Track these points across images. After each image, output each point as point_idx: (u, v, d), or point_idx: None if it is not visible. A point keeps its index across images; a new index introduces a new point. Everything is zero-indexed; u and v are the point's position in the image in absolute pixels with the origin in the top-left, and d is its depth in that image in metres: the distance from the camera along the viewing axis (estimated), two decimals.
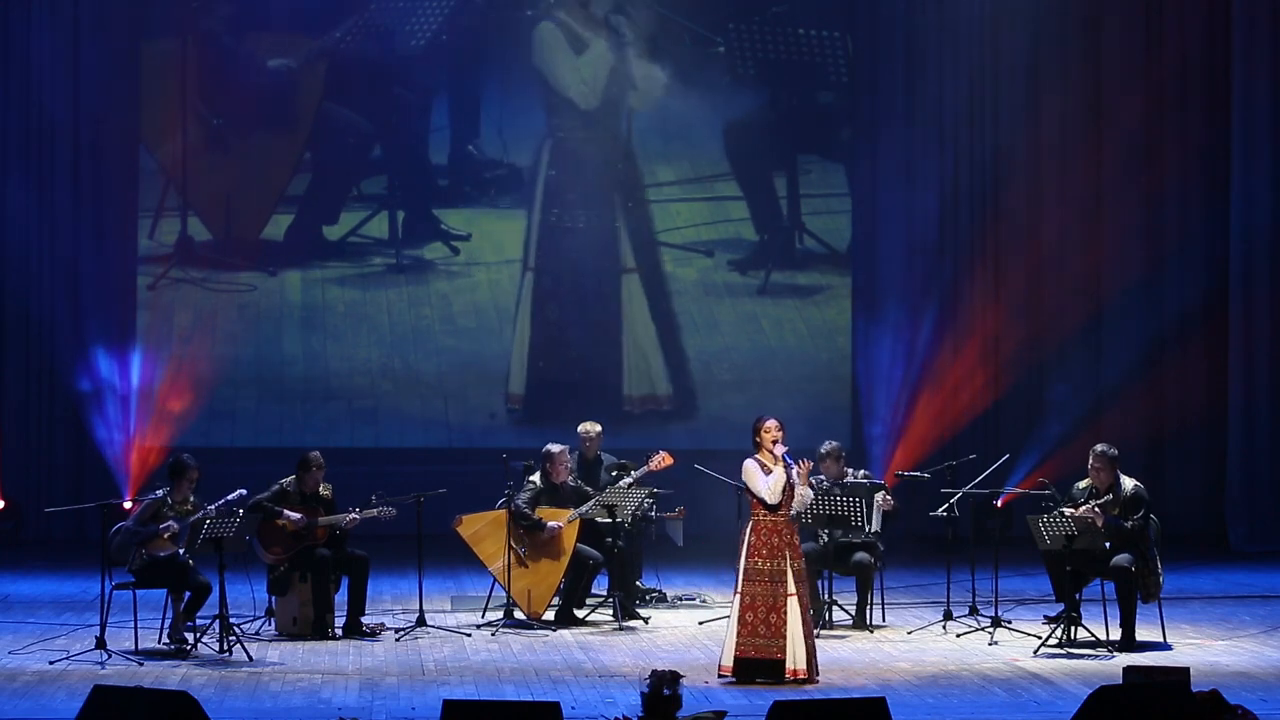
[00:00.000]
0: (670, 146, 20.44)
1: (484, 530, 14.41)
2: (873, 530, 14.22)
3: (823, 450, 14.31)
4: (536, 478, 14.54)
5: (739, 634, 11.89)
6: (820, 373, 20.51)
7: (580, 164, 20.27)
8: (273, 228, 20.27)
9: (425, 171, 20.51)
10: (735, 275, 20.62)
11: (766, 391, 20.02)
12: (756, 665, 11.81)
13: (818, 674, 11.91)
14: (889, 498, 14.35)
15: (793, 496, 12.00)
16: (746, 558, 11.95)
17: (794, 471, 11.94)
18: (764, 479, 11.96)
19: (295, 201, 20.33)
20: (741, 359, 20.50)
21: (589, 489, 14.64)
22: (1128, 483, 13.41)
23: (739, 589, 11.98)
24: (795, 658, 11.78)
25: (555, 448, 14.59)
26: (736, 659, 11.88)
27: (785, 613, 11.79)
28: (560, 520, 14.29)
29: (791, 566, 11.85)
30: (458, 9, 20.31)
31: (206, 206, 20.17)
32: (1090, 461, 13.50)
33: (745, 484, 12.12)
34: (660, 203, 20.61)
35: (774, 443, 12.02)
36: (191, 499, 13.34)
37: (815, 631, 12.34)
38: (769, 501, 11.96)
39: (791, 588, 11.82)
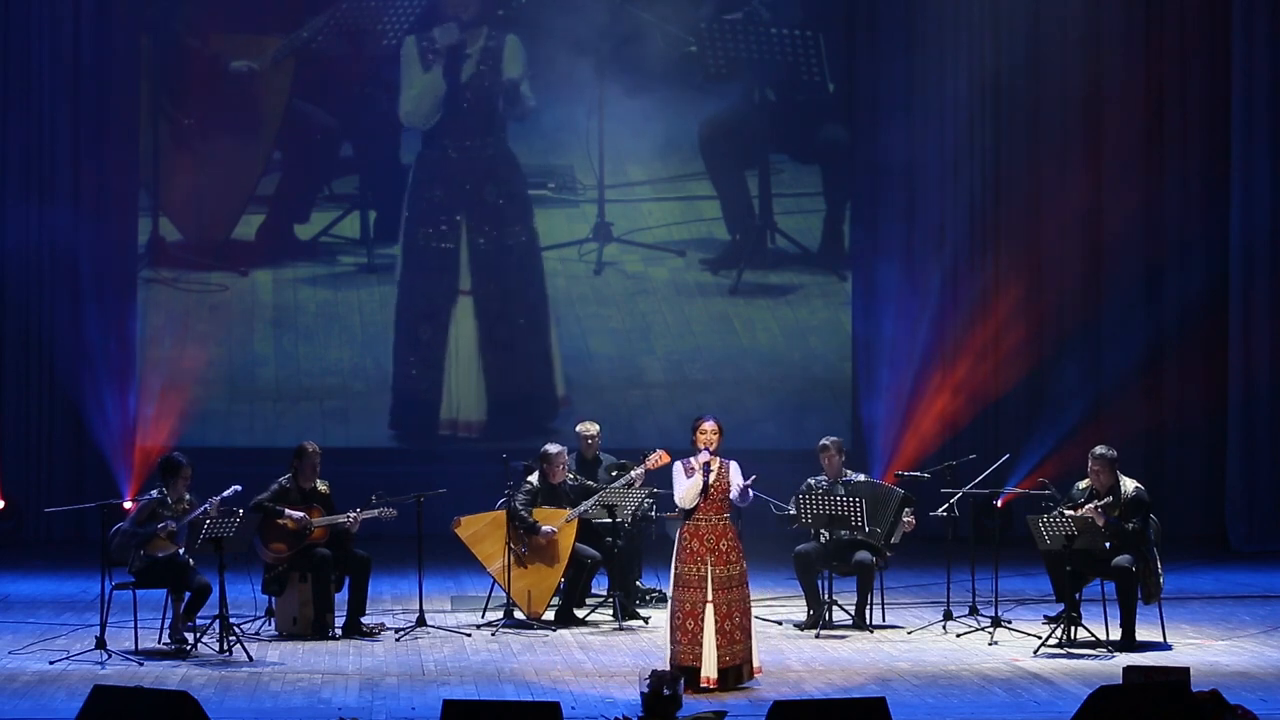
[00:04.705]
0: (641, 145, 20.36)
1: (482, 531, 14.40)
2: (893, 542, 14.19)
3: (823, 443, 14.30)
4: (534, 478, 14.54)
5: (671, 639, 11.76)
6: (793, 373, 20.47)
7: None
8: (244, 227, 20.22)
9: (396, 171, 20.46)
10: (707, 275, 20.61)
11: (738, 391, 20.01)
12: (687, 671, 11.50)
13: (739, 681, 11.64)
14: (913, 519, 14.28)
15: (718, 499, 11.76)
16: (675, 562, 11.84)
17: (710, 475, 11.72)
18: (683, 482, 11.82)
19: (266, 201, 20.29)
20: (713, 358, 20.46)
21: (591, 484, 14.63)
22: (1129, 484, 13.40)
23: (670, 593, 11.88)
24: (708, 665, 11.58)
25: (553, 448, 14.59)
26: (672, 664, 11.69)
27: (702, 620, 11.63)
28: (555, 523, 14.29)
29: (714, 572, 11.68)
30: (428, 9, 20.25)
31: (176, 206, 20.12)
32: (1089, 464, 13.49)
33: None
34: (631, 202, 20.57)
35: (704, 446, 11.86)
36: (187, 497, 13.34)
37: (760, 631, 12.23)
38: (681, 506, 11.86)
39: (709, 594, 11.65)
